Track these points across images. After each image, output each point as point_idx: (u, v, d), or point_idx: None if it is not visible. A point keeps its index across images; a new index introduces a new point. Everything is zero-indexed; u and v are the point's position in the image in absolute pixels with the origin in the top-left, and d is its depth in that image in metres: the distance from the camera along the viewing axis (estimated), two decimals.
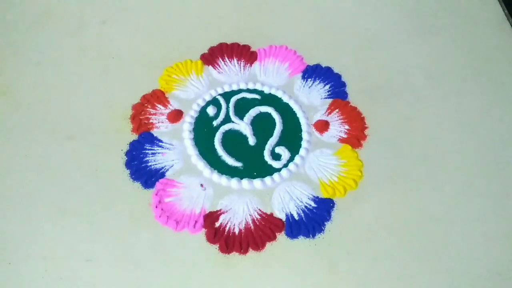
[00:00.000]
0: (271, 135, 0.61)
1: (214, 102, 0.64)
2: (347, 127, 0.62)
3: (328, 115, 0.63)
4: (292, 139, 0.61)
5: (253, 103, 0.64)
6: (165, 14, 0.74)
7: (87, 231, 0.53)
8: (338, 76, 0.67)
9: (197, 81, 0.66)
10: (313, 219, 0.54)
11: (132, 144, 0.60)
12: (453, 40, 0.71)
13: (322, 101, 0.65)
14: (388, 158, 0.59)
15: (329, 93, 0.65)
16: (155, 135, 0.61)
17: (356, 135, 0.61)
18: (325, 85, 0.66)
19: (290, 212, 0.55)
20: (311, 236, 0.53)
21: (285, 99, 0.64)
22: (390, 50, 0.70)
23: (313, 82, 0.66)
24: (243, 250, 0.52)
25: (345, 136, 0.61)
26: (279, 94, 0.65)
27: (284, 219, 0.54)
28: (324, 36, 0.71)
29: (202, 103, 0.64)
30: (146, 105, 0.63)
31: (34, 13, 0.73)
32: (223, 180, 0.57)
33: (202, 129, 0.61)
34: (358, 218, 0.55)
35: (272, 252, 0.52)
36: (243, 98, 0.64)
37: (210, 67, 0.68)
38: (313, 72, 0.67)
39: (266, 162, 0.59)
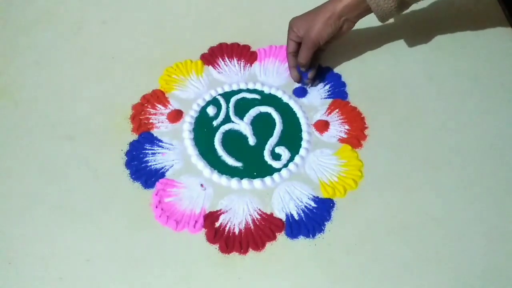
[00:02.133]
0: (271, 135, 0.61)
1: (214, 102, 0.64)
2: (347, 127, 0.62)
3: (328, 115, 0.63)
4: (292, 139, 0.61)
5: (253, 103, 0.64)
6: (165, 14, 0.74)
7: (87, 231, 0.53)
8: (338, 76, 0.67)
9: (197, 81, 0.66)
10: (313, 219, 0.54)
11: (132, 144, 0.60)
12: (453, 40, 0.70)
13: (322, 101, 0.65)
14: (388, 158, 0.59)
15: (329, 93, 0.65)
16: (155, 135, 0.61)
17: (356, 135, 0.61)
18: (325, 85, 0.66)
19: (290, 212, 0.55)
20: (311, 236, 0.53)
21: (285, 99, 0.64)
22: (390, 50, 0.69)
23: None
24: (243, 250, 0.52)
25: (345, 136, 0.61)
26: (279, 94, 0.65)
27: (284, 219, 0.54)
28: None
29: (202, 103, 0.64)
30: (146, 105, 0.63)
31: (34, 13, 0.73)
32: (223, 180, 0.57)
33: (202, 129, 0.61)
34: (358, 218, 0.55)
35: (272, 252, 0.52)
36: (243, 98, 0.64)
37: (210, 67, 0.68)
38: None
39: (266, 162, 0.59)
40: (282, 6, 0.74)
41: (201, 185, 0.57)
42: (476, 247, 0.53)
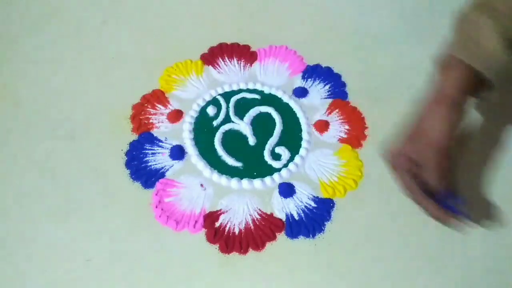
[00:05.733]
0: (271, 135, 0.61)
1: (214, 102, 0.64)
2: (347, 127, 0.62)
3: (328, 115, 0.63)
4: (292, 139, 0.61)
5: (253, 103, 0.64)
6: (165, 14, 0.74)
7: (87, 231, 0.53)
8: (338, 76, 0.67)
9: (197, 81, 0.66)
10: (313, 219, 0.54)
11: (132, 144, 0.60)
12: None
13: (322, 101, 0.65)
14: None
15: (329, 93, 0.65)
16: (155, 135, 0.61)
17: (356, 135, 0.61)
18: (325, 85, 0.66)
19: (290, 212, 0.55)
20: (311, 236, 0.53)
21: (285, 99, 0.64)
22: (390, 50, 0.69)
23: (313, 82, 0.66)
24: (243, 250, 0.52)
25: (345, 136, 0.61)
26: (279, 94, 0.65)
27: (284, 219, 0.54)
28: (324, 36, 0.71)
29: (202, 103, 0.64)
30: (146, 105, 0.63)
31: (34, 13, 0.73)
32: (223, 180, 0.57)
33: (202, 129, 0.61)
34: (358, 218, 0.55)
35: (272, 252, 0.52)
36: (243, 98, 0.64)
37: (210, 67, 0.68)
38: (313, 72, 0.67)
39: (266, 162, 0.59)
40: (282, 6, 0.75)
41: (201, 185, 0.57)
42: (476, 246, 0.53)
